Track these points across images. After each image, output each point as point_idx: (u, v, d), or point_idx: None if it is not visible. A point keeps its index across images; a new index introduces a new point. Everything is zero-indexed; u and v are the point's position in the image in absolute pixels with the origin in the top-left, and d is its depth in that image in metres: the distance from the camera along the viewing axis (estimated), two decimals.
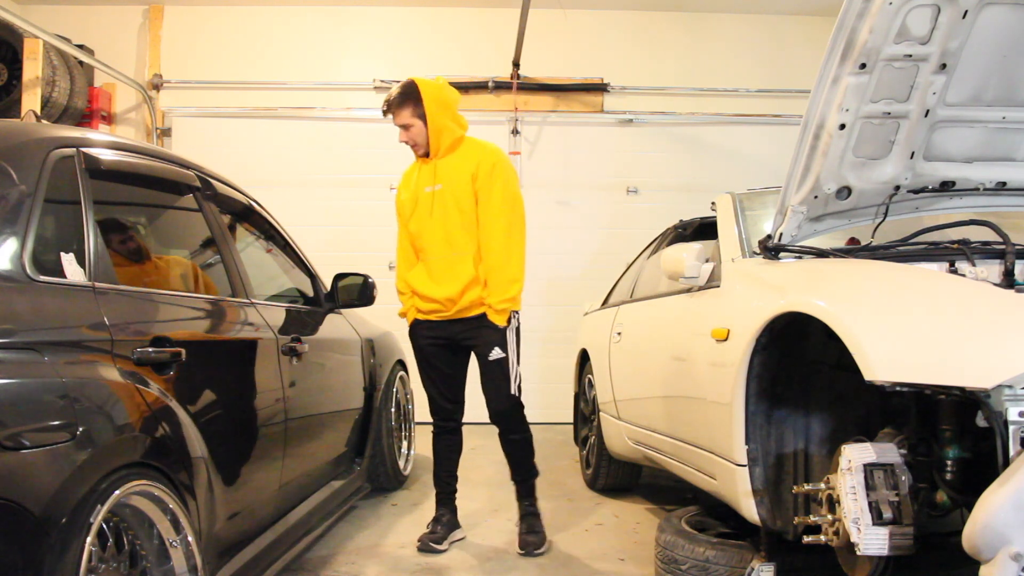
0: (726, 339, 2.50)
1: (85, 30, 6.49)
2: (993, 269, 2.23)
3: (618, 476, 4.26)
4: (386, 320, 4.62)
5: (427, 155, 3.25)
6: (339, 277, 3.52)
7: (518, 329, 3.24)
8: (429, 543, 3.23)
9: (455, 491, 3.44)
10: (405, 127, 3.21)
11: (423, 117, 3.17)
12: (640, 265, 4.24)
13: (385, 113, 3.25)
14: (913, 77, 2.38)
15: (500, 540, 3.40)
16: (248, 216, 3.12)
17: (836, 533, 1.98)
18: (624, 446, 3.85)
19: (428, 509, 3.90)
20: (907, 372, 1.72)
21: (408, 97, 3.18)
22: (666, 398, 3.18)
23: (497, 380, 3.20)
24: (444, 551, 3.23)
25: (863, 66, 2.29)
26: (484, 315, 3.20)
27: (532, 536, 3.24)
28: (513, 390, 3.20)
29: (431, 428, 3.41)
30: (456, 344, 3.29)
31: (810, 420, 2.35)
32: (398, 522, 3.67)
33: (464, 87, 6.78)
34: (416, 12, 6.82)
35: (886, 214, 2.66)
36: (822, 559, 2.23)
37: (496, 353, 3.18)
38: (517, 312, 3.24)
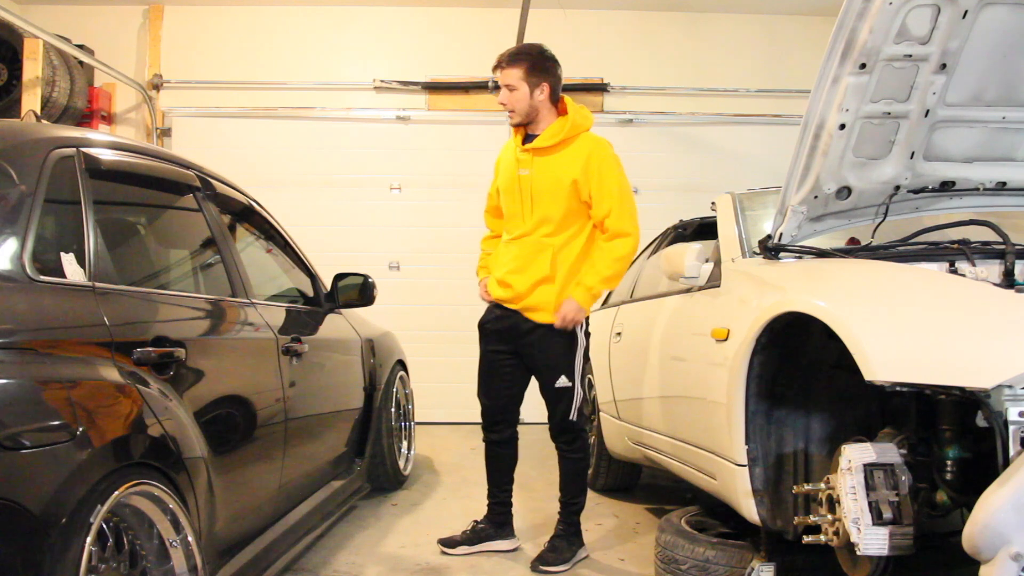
0: (726, 339, 2.50)
1: (85, 30, 6.48)
2: (993, 269, 2.23)
3: (618, 476, 4.26)
4: (386, 320, 4.63)
5: (519, 126, 3.04)
6: (339, 277, 3.52)
7: (586, 350, 3.10)
8: (441, 541, 3.24)
9: (497, 502, 3.30)
10: (509, 87, 2.98)
11: (534, 86, 2.96)
12: (640, 265, 4.24)
13: (495, 68, 3.01)
14: (913, 77, 2.38)
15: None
16: (248, 216, 3.12)
17: (836, 533, 1.98)
18: (624, 446, 3.85)
19: (428, 509, 3.91)
20: (907, 372, 1.73)
21: (523, 57, 2.98)
22: (666, 398, 3.18)
23: (559, 404, 3.09)
24: (450, 555, 3.18)
25: (863, 66, 2.29)
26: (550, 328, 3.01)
27: (550, 554, 3.06)
28: (572, 415, 3.08)
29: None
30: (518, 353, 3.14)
31: (810, 420, 2.35)
32: (398, 522, 3.66)
33: (464, 87, 6.84)
34: (416, 12, 6.81)
35: (886, 214, 2.66)
36: (822, 559, 2.23)
37: (562, 381, 3.04)
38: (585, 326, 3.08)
